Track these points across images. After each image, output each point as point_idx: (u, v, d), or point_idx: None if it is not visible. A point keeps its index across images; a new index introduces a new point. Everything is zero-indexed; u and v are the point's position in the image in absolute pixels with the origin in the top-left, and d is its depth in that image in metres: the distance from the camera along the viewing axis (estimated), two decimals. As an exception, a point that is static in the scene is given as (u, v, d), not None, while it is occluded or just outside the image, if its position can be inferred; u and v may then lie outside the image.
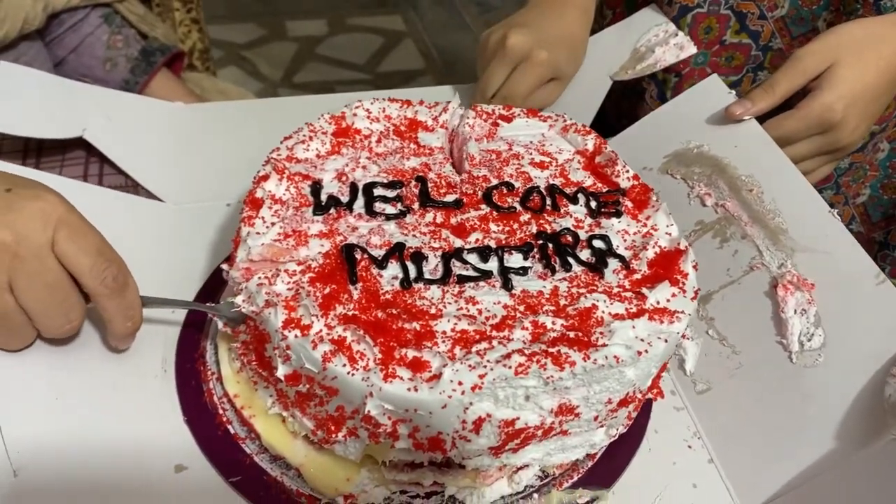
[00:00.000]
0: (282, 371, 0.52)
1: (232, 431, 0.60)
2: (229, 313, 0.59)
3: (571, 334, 0.52)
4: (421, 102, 0.71)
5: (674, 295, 0.56)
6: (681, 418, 0.66)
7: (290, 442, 0.58)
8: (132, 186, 0.81)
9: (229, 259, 0.61)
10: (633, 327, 0.53)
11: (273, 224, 0.57)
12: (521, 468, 0.58)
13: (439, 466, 0.57)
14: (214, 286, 0.70)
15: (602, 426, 0.56)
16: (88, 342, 0.63)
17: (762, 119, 0.79)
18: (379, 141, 0.66)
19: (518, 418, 0.51)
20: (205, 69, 1.46)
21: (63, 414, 0.58)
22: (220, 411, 0.62)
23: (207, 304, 0.64)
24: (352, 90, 2.28)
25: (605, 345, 0.51)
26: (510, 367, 0.49)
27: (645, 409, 0.65)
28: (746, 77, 0.97)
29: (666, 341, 0.53)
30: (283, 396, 0.56)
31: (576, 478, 0.60)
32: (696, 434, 0.65)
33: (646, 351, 0.52)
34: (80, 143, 0.81)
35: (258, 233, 0.57)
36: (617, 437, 0.59)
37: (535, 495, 0.59)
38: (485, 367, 0.49)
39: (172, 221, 0.78)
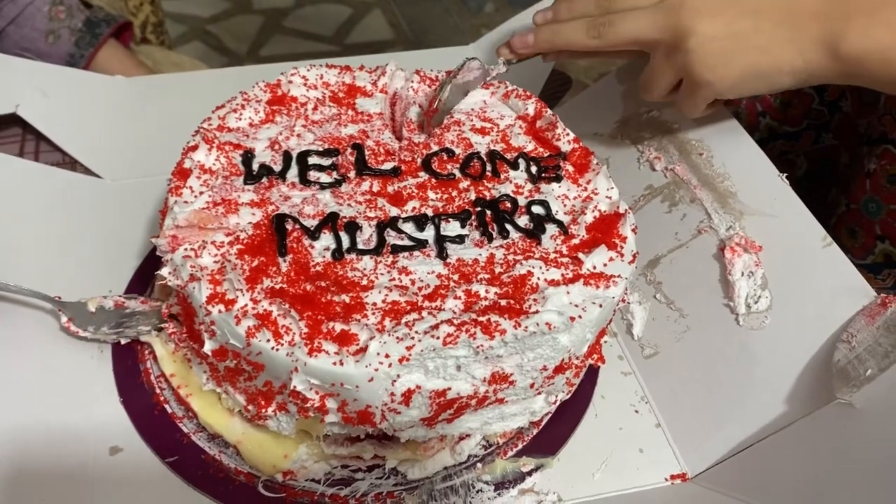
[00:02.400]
0: (208, 346, 0.51)
1: (169, 411, 0.59)
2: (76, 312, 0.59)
3: (503, 302, 0.51)
4: (361, 68, 0.68)
5: (611, 259, 0.55)
6: (628, 383, 0.65)
7: (226, 420, 0.57)
8: (70, 163, 0.79)
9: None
10: (568, 293, 0.52)
11: (201, 193, 0.56)
12: (462, 438, 0.57)
13: (379, 439, 0.56)
14: (154, 263, 0.69)
15: (540, 393, 0.55)
16: (21, 323, 0.62)
17: None
18: (315, 108, 0.64)
19: (449, 388, 0.50)
20: (159, 43, 1.42)
21: (-8, 398, 0.56)
22: (157, 391, 0.60)
23: (54, 298, 0.62)
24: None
25: (536, 311, 0.50)
26: (438, 338, 0.48)
27: (591, 376, 0.64)
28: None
29: (601, 306, 0.52)
30: (215, 372, 0.55)
31: (520, 446, 0.60)
32: (644, 399, 0.64)
33: (579, 317, 0.51)
34: (15, 121, 0.79)
35: (186, 202, 0.55)
36: (559, 403, 0.59)
37: (479, 465, 0.58)
38: (413, 338, 0.48)
39: (111, 198, 0.76)
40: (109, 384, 0.60)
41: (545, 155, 0.64)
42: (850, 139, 0.84)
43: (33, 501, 0.53)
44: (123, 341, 0.62)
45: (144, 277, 0.68)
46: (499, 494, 0.56)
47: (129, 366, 0.62)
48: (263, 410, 0.53)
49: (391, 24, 2.67)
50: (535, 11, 0.70)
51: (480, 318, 0.49)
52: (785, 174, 0.66)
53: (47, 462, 0.55)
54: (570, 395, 0.59)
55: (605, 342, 0.65)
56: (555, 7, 0.68)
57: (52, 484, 0.54)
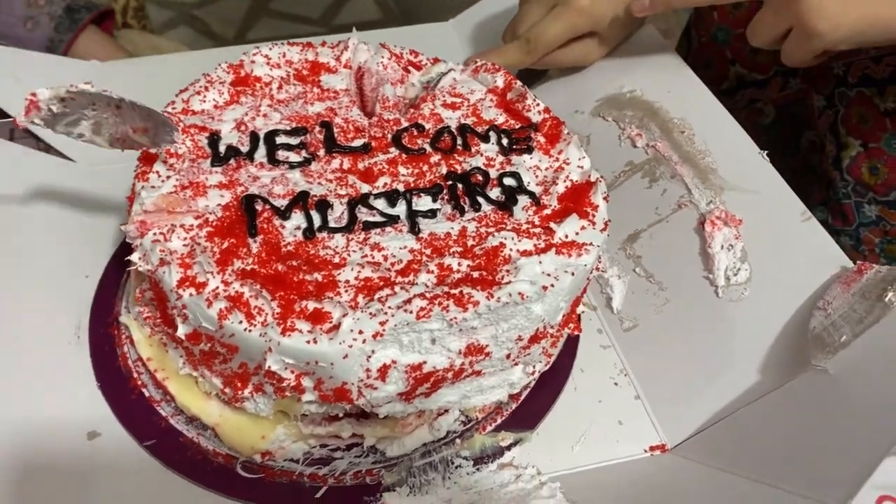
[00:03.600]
0: (182, 330, 0.51)
1: (147, 395, 0.59)
2: None
3: (476, 274, 0.51)
4: (323, 44, 0.68)
5: (583, 228, 0.54)
6: (607, 356, 0.65)
7: (204, 402, 0.57)
8: (44, 149, 0.78)
9: (130, 219, 0.59)
10: (540, 263, 0.51)
11: (168, 177, 0.55)
12: (440, 415, 0.57)
13: (357, 418, 0.56)
14: (129, 247, 0.68)
15: (517, 364, 0.54)
16: (-5, 311, 0.62)
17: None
18: (280, 87, 0.63)
19: (425, 362, 0.50)
20: (140, 27, 1.41)
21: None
22: (135, 375, 0.60)
23: None
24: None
25: (509, 282, 0.50)
26: (411, 312, 0.48)
27: (570, 349, 0.64)
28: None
29: (573, 274, 0.51)
30: (190, 355, 0.55)
31: (499, 421, 0.60)
32: (623, 371, 0.64)
33: (552, 286, 0.50)
34: (-13, 108, 0.78)
35: (153, 186, 0.54)
36: (538, 374, 0.58)
37: (458, 441, 0.58)
38: (386, 313, 0.48)
39: (85, 182, 0.75)
40: (87, 369, 0.60)
41: (516, 127, 0.63)
42: (822, 82, 0.84)
43: (10, 488, 0.53)
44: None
45: (122, 262, 0.68)
46: (478, 469, 0.56)
47: (105, 351, 0.61)
48: (240, 392, 0.53)
49: (379, 3, 2.65)
50: None
51: (453, 291, 0.49)
52: (765, 151, 0.66)
53: (24, 448, 0.55)
54: (548, 365, 0.59)
55: (583, 312, 0.64)
56: None
57: (28, 470, 0.54)
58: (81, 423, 0.57)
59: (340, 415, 0.55)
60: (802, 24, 0.61)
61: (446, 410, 0.57)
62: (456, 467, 0.56)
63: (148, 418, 0.58)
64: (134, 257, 0.52)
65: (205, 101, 0.61)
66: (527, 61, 0.77)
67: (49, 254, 0.68)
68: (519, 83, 0.66)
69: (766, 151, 0.65)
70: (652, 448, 0.59)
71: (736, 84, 0.90)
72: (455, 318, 0.48)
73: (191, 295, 0.49)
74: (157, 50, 1.24)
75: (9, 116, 0.78)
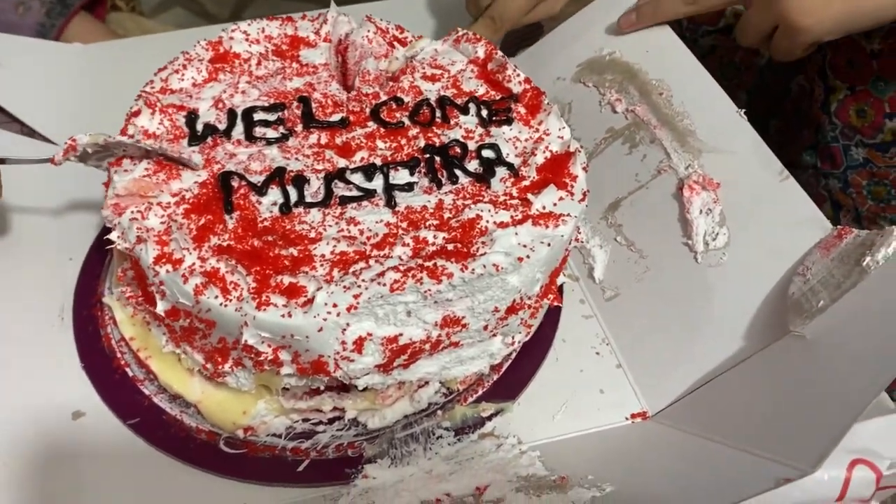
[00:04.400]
0: (160, 307, 0.51)
1: (130, 374, 0.59)
2: None
3: (451, 247, 0.51)
4: (303, 17, 0.67)
5: (561, 198, 0.54)
6: (589, 326, 0.65)
7: (186, 380, 0.57)
8: (28, 134, 0.78)
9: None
10: (516, 234, 0.51)
11: (141, 161, 0.55)
12: (421, 387, 0.57)
13: (338, 391, 0.56)
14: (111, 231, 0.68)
15: (495, 335, 0.55)
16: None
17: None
18: (259, 63, 0.63)
19: (401, 334, 0.50)
20: (129, 10, 1.40)
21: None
22: (118, 355, 0.60)
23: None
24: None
25: (484, 254, 0.50)
26: (385, 285, 0.48)
27: (552, 320, 0.64)
28: None
29: (549, 245, 0.51)
30: (172, 332, 0.55)
31: (480, 392, 0.60)
32: (605, 341, 0.64)
33: (527, 257, 0.50)
34: (-29, 93, 0.78)
35: (126, 171, 0.54)
36: (518, 345, 0.59)
37: (439, 412, 0.58)
38: (360, 286, 0.48)
39: (69, 166, 0.75)
40: (71, 350, 0.61)
41: (496, 98, 0.63)
42: None
43: (-5, 467, 0.53)
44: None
45: (105, 245, 0.68)
46: (459, 440, 0.56)
47: (89, 331, 0.62)
48: (221, 367, 0.53)
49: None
50: None
51: (427, 264, 0.49)
52: (743, 110, 0.65)
53: (9, 428, 0.56)
54: (529, 336, 0.59)
55: (564, 283, 0.64)
56: None
57: (14, 449, 0.55)
58: (66, 403, 0.58)
59: (321, 388, 0.55)
60: (787, 22, 0.63)
61: (427, 382, 0.57)
62: (437, 438, 0.56)
63: (131, 397, 0.58)
64: (113, 236, 0.53)
65: (183, 80, 0.61)
66: (495, 38, 0.79)
67: (33, 237, 0.68)
68: (500, 53, 0.65)
69: (743, 110, 0.65)
70: (633, 416, 0.59)
71: (733, 21, 0.90)
72: (429, 290, 0.48)
73: (167, 271, 0.49)
74: (148, 33, 1.23)
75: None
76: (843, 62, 0.80)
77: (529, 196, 0.54)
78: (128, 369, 0.60)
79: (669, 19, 0.74)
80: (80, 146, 0.55)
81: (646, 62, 0.74)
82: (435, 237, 0.52)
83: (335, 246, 0.51)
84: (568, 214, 0.53)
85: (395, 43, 0.68)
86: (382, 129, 0.59)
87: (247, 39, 0.64)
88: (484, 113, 0.61)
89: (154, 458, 0.55)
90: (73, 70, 0.85)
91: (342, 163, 0.57)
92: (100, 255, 0.67)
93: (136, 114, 0.58)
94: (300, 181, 0.55)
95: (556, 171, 0.57)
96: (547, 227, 0.52)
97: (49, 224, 0.69)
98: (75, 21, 1.09)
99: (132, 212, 0.52)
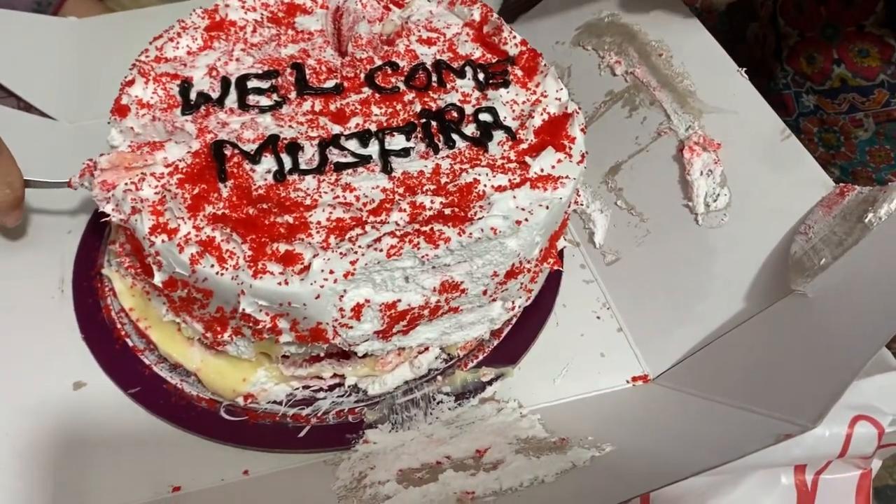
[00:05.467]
0: (158, 278, 0.51)
1: (130, 344, 0.60)
2: None
3: (448, 211, 0.50)
4: (301, -18, 0.66)
5: (559, 161, 0.54)
6: (590, 291, 0.65)
7: (185, 349, 0.57)
8: (24, 108, 0.77)
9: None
10: (514, 197, 0.51)
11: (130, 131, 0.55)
12: (421, 353, 0.57)
13: (338, 358, 0.56)
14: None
15: (495, 300, 0.54)
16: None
17: None
18: (254, 31, 0.62)
19: (399, 300, 0.50)
20: (125, -15, 1.39)
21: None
22: (118, 326, 0.60)
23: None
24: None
25: (481, 218, 0.49)
26: (382, 251, 0.48)
27: (553, 285, 0.64)
28: None
29: (548, 208, 0.51)
30: (171, 302, 0.55)
31: (480, 357, 0.60)
32: (606, 305, 0.64)
33: (525, 220, 0.50)
34: (-34, 69, 0.78)
35: (112, 146, 0.54)
36: (518, 310, 0.58)
37: (439, 378, 0.58)
38: (356, 252, 0.48)
39: (67, 139, 0.75)
40: (71, 322, 0.61)
41: (493, 61, 0.62)
42: None
43: (-2, 437, 0.54)
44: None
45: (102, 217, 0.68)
46: (459, 404, 0.56)
47: (89, 303, 0.62)
48: (220, 336, 0.53)
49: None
50: None
51: (423, 228, 0.49)
52: (744, 69, 0.64)
53: (13, 398, 0.56)
54: (529, 301, 0.59)
55: (565, 248, 0.64)
56: None
57: (17, 419, 0.55)
58: (67, 373, 0.58)
59: (321, 355, 0.55)
60: None
61: (427, 348, 0.57)
62: (437, 403, 0.56)
63: (132, 367, 0.58)
64: (108, 208, 0.52)
65: (178, 48, 0.60)
66: None
67: (32, 211, 0.68)
68: (495, 16, 0.64)
69: (744, 69, 0.64)
70: (634, 379, 0.59)
71: None
72: (427, 255, 0.48)
73: (163, 241, 0.49)
74: (143, 7, 1.22)
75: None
76: (793, 7, 0.80)
77: (527, 159, 0.54)
78: (128, 340, 0.60)
79: None
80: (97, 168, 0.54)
81: (645, 23, 0.73)
82: (432, 202, 0.51)
83: (331, 213, 0.51)
84: (567, 177, 0.53)
85: (391, 5, 0.67)
86: (377, 95, 0.59)
87: (243, 7, 0.63)
88: (480, 76, 0.60)
89: (155, 426, 0.55)
90: (68, 44, 0.84)
91: (336, 129, 0.56)
92: (98, 228, 0.67)
93: (131, 83, 0.57)
94: (294, 148, 0.54)
95: (554, 133, 0.56)
96: (545, 189, 0.52)
97: (48, 197, 0.69)
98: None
99: (126, 183, 0.52)
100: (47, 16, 0.89)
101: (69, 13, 1.06)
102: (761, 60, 0.85)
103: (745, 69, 0.65)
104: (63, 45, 0.83)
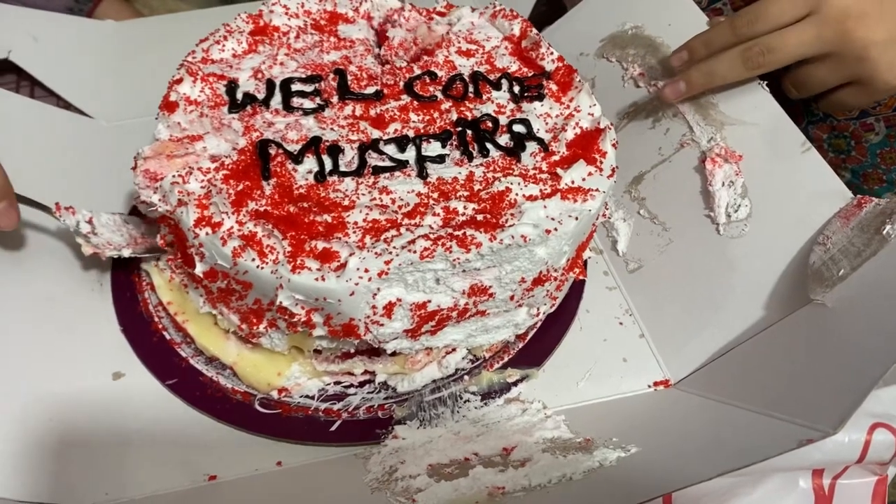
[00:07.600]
0: (199, 268, 0.53)
1: (168, 337, 0.61)
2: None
3: (480, 217, 0.52)
4: (342, -7, 0.69)
5: (590, 174, 0.55)
6: (613, 297, 0.67)
7: (222, 342, 0.59)
8: (64, 107, 0.80)
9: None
10: (545, 207, 0.53)
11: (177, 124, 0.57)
12: (449, 353, 0.59)
13: (368, 355, 0.58)
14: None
15: (521, 306, 0.56)
16: (24, 259, 0.64)
17: None
18: (297, 37, 0.65)
19: (429, 301, 0.51)
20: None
21: (-1, 330, 0.59)
22: (156, 319, 0.62)
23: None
24: None
25: (512, 225, 0.51)
26: (415, 252, 0.49)
27: (577, 292, 0.66)
28: None
29: (577, 219, 0.53)
30: (209, 294, 0.57)
31: (506, 359, 0.61)
32: (628, 311, 0.66)
33: (555, 229, 0.52)
34: (10, 67, 0.80)
35: (156, 139, 0.56)
36: (543, 316, 0.60)
37: (466, 377, 0.60)
38: (391, 253, 0.49)
39: (105, 137, 0.77)
40: (110, 315, 0.63)
41: (529, 74, 0.64)
42: None
43: (42, 420, 0.55)
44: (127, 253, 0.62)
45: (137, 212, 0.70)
46: (485, 404, 0.58)
47: (127, 297, 0.64)
48: (255, 328, 0.55)
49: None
50: (670, 55, 0.69)
51: (457, 233, 0.51)
52: (765, 81, 0.66)
53: (54, 386, 0.58)
54: (554, 307, 0.61)
55: (590, 258, 0.66)
56: (689, 46, 0.67)
57: (59, 406, 0.57)
58: (107, 364, 0.60)
59: (352, 351, 0.57)
60: (872, 81, 0.63)
61: (454, 349, 0.59)
62: (464, 402, 0.58)
63: (169, 359, 0.60)
64: (154, 199, 0.54)
65: (224, 51, 0.62)
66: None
67: (72, 205, 0.69)
68: (534, 31, 0.66)
69: (765, 82, 0.65)
70: (656, 384, 0.61)
71: None
72: (458, 258, 0.50)
73: (207, 234, 0.51)
74: (172, 11, 1.25)
75: (30, 76, 0.80)
76: None
77: (559, 171, 0.56)
78: (165, 333, 0.62)
79: (727, 82, 0.67)
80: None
81: (668, 35, 0.74)
82: (465, 208, 0.53)
83: (367, 214, 0.53)
84: (596, 189, 0.55)
85: (435, 16, 0.69)
86: (416, 103, 0.61)
87: (286, 13, 0.66)
88: (516, 89, 0.62)
89: (192, 416, 0.57)
90: (106, 46, 0.86)
91: (376, 134, 0.58)
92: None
93: (179, 81, 0.59)
94: (335, 151, 0.56)
95: (585, 146, 0.58)
96: (575, 201, 0.54)
97: (87, 191, 0.71)
98: (104, 3, 1.10)
99: (173, 176, 0.54)
100: (86, 18, 0.92)
101: (103, 15, 1.09)
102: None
103: (766, 82, 0.66)
104: (101, 47, 0.86)
